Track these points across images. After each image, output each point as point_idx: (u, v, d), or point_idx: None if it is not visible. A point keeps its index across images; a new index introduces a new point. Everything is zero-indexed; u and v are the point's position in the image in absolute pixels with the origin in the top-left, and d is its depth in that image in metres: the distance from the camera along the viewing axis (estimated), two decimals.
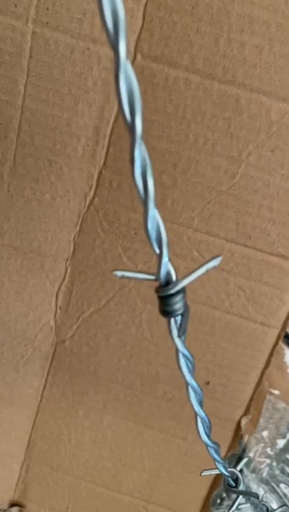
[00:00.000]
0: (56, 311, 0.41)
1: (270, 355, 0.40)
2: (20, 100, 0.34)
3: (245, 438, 0.48)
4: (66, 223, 0.38)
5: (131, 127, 0.14)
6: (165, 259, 0.15)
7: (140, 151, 0.14)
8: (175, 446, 0.44)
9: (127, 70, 0.13)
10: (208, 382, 0.41)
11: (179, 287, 0.15)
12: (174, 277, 0.16)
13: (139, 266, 0.38)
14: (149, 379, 0.42)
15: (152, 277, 0.16)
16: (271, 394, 0.55)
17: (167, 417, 0.43)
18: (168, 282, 0.16)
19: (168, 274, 0.16)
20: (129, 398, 0.43)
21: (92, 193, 0.37)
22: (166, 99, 0.34)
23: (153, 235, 0.15)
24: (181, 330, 0.16)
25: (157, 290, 0.16)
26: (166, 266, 0.15)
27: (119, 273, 0.16)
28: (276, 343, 0.39)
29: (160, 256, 0.15)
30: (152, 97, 0.34)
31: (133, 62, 0.33)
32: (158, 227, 0.15)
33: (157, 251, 0.15)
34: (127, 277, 0.16)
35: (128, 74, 0.13)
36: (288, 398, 0.65)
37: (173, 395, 0.42)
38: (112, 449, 0.45)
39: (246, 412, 0.42)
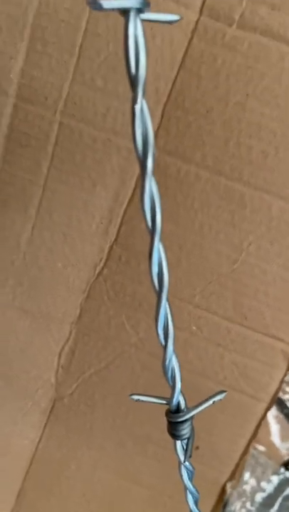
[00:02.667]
0: (58, 370, 0.43)
1: (258, 426, 0.42)
2: (43, 180, 0.37)
3: (228, 491, 0.50)
4: (75, 290, 0.40)
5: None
6: (178, 391, 0.18)
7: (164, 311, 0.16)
8: (162, 504, 0.46)
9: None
10: (197, 447, 0.43)
11: (187, 416, 0.18)
12: (183, 406, 0.18)
13: (141, 334, 0.41)
14: (141, 439, 0.44)
15: (164, 402, 0.18)
16: (255, 449, 0.57)
17: (156, 476, 0.45)
18: (178, 409, 0.18)
19: (179, 403, 0.18)
20: (120, 456, 0.45)
21: (101, 264, 0.39)
22: (177, 189, 0.36)
23: (169, 373, 0.17)
24: (187, 453, 0.19)
25: (167, 415, 0.18)
26: (178, 397, 0.18)
27: (135, 397, 0.18)
28: (264, 416, 0.41)
29: (173, 388, 0.18)
30: (164, 186, 0.37)
31: None
32: (174, 367, 0.17)
33: (171, 383, 0.18)
34: (143, 401, 0.18)
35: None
36: (272, 453, 0.67)
37: (163, 456, 0.44)
38: (100, 502, 0.47)
39: (232, 477, 0.44)
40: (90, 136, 0.36)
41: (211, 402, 0.19)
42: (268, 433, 0.61)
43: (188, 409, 0.18)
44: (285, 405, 0.71)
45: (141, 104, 0.16)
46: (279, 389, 0.41)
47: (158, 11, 0.32)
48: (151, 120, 0.34)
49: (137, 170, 0.37)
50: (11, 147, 0.36)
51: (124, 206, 0.38)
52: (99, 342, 0.42)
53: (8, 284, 0.40)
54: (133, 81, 0.15)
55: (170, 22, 0.16)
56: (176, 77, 0.34)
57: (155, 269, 0.18)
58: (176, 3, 0.32)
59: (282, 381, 0.40)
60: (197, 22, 0.33)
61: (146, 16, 0.15)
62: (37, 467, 0.47)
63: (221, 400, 0.19)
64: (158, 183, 0.37)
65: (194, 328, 0.40)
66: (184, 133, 0.35)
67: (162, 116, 0.35)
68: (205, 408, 0.19)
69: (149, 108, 0.34)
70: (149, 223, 0.17)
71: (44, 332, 0.42)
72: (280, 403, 0.64)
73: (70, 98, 0.35)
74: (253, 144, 0.35)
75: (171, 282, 0.39)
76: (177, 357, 0.18)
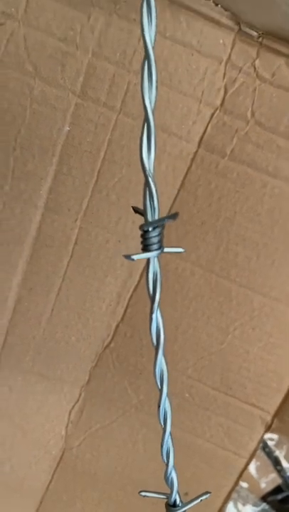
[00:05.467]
0: (68, 424, 0.50)
1: (239, 477, 0.49)
2: (63, 272, 0.44)
3: None
4: (85, 359, 0.47)
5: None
6: (175, 492, 0.25)
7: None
8: None
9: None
10: (186, 493, 0.50)
11: (181, 510, 0.25)
12: (178, 501, 0.25)
13: (141, 397, 0.48)
14: (139, 485, 0.51)
15: (165, 497, 0.25)
16: (238, 485, 0.64)
17: None
18: (174, 504, 0.25)
19: (175, 500, 0.25)
20: (120, 498, 0.52)
21: (109, 339, 0.46)
22: (175, 281, 0.44)
23: (169, 481, 0.24)
24: None
25: (166, 507, 0.25)
26: (175, 496, 0.25)
27: (143, 493, 0.25)
28: (244, 469, 0.49)
29: (172, 490, 0.25)
30: (165, 278, 0.44)
31: None
32: (173, 478, 0.24)
33: (170, 487, 0.25)
34: (149, 496, 0.25)
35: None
36: (253, 488, 0.74)
37: (157, 500, 0.51)
38: None
39: None
40: (104, 238, 0.42)
41: (199, 500, 0.25)
42: (249, 469, 0.68)
43: (183, 504, 0.25)
44: (266, 444, 0.78)
45: (156, 313, 0.22)
46: (257, 447, 0.48)
47: (164, 144, 0.40)
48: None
49: (142, 264, 0.44)
50: (38, 246, 0.42)
51: (131, 292, 0.45)
52: (104, 403, 0.48)
53: (29, 353, 0.47)
54: (152, 300, 0.22)
55: (178, 252, 0.22)
56: (176, 195, 0.41)
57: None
58: (179, 138, 0.40)
59: (260, 441, 0.47)
60: (196, 153, 0.40)
61: (165, 251, 0.22)
62: (46, 505, 0.53)
63: (207, 498, 0.26)
64: None
65: (187, 395, 0.47)
66: (182, 238, 0.42)
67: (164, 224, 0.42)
68: (195, 504, 0.26)
69: None
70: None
71: (57, 393, 0.48)
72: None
73: (89, 209, 0.41)
74: (239, 250, 0.42)
75: (168, 357, 0.46)
76: (176, 470, 0.24)
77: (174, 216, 0.19)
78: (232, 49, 0.37)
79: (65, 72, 0.37)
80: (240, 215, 0.41)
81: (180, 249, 0.23)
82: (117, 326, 0.46)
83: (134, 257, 0.20)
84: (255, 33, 0.36)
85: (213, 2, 0.36)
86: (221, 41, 0.37)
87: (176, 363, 0.46)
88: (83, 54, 0.37)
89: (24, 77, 0.37)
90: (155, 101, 0.20)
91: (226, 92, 0.38)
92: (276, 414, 0.46)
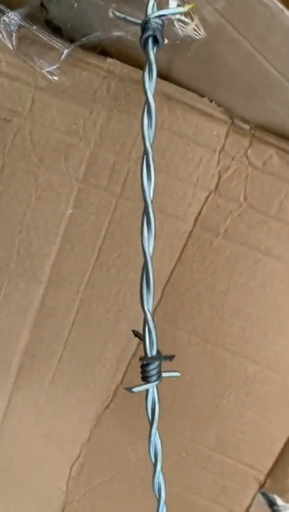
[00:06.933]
0: (69, 480, 0.51)
1: None
2: (64, 340, 0.46)
3: None
4: (86, 419, 0.49)
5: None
6: None
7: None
8: None
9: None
10: None
11: None
12: None
13: (140, 455, 0.50)
14: None
15: None
16: None
17: None
18: None
19: None
20: None
21: (108, 400, 0.48)
22: (173, 348, 0.45)
23: None
24: None
25: None
26: None
27: None
28: None
29: None
30: (162, 344, 0.45)
31: None
32: None
33: None
34: None
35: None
36: None
37: None
38: None
39: None
40: (105, 308, 0.45)
41: None
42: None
43: None
44: None
45: (154, 436, 0.24)
46: (252, 503, 0.50)
47: (162, 224, 0.42)
48: (153, 298, 0.43)
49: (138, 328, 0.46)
50: (40, 317, 0.45)
51: (129, 358, 0.47)
52: (104, 460, 0.50)
53: (32, 415, 0.49)
54: (150, 424, 0.24)
55: (175, 377, 0.24)
56: (173, 269, 0.43)
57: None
58: (175, 218, 0.42)
59: (254, 498, 0.49)
60: (191, 231, 0.42)
61: None
62: None
63: None
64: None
65: (184, 454, 0.48)
66: (179, 309, 0.44)
67: (162, 295, 0.44)
68: None
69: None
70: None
71: (59, 451, 0.50)
72: None
73: (90, 282, 0.44)
74: (233, 321, 0.44)
75: (166, 419, 0.48)
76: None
77: (170, 358, 0.21)
78: (226, 139, 0.39)
79: (69, 162, 0.39)
80: (234, 289, 0.43)
81: (176, 374, 0.25)
82: (116, 389, 0.48)
83: (135, 389, 0.22)
84: (247, 126, 0.39)
85: (208, 99, 0.38)
86: (215, 133, 0.39)
87: (173, 424, 0.48)
88: (86, 145, 0.39)
89: (30, 167, 0.39)
90: (153, 249, 0.22)
91: (220, 178, 0.40)
92: (269, 474, 0.48)
